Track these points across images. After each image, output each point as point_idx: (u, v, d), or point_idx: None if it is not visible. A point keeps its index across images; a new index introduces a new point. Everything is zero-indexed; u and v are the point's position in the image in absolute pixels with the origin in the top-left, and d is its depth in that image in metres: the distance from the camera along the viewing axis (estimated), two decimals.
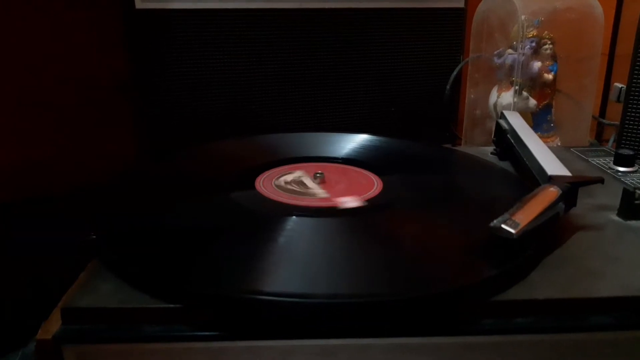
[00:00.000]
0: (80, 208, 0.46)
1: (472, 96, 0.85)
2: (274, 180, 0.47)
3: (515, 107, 0.75)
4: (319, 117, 0.80)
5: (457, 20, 0.83)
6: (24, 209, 0.68)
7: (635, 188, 0.43)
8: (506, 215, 0.34)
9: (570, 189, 0.38)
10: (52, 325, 0.30)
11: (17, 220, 0.67)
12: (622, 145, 0.64)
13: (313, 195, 0.45)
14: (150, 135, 0.73)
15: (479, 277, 0.32)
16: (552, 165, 0.42)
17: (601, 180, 0.41)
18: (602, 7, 0.77)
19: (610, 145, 0.82)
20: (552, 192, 0.36)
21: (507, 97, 0.76)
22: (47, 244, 0.60)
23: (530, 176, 0.44)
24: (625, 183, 0.50)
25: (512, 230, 0.33)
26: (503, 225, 0.33)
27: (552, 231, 0.38)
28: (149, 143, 0.73)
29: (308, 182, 0.47)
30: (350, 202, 0.43)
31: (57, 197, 0.69)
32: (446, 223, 0.40)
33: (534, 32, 0.75)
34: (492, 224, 0.33)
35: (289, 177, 0.48)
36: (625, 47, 0.75)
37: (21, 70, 0.70)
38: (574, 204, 0.39)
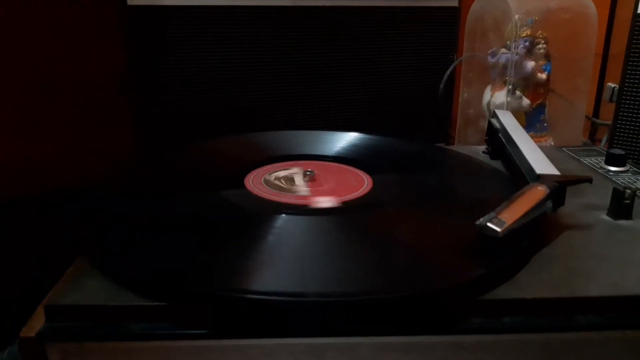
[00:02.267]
0: (76, 206, 0.46)
1: (465, 95, 0.85)
2: (265, 175, 0.47)
3: (508, 107, 0.75)
4: (313, 115, 0.80)
5: (451, 19, 0.83)
6: (22, 208, 0.68)
7: (625, 187, 0.42)
8: (492, 214, 0.34)
9: (559, 188, 0.38)
10: (37, 323, 0.30)
11: (15, 220, 0.66)
12: (614, 145, 0.64)
13: (294, 192, 0.44)
14: (148, 134, 0.73)
15: (467, 276, 0.32)
16: (541, 164, 0.42)
17: (589, 180, 0.41)
18: (597, 7, 0.77)
19: (603, 144, 0.82)
20: (539, 191, 0.36)
21: (500, 96, 0.76)
22: (41, 242, 0.60)
23: (520, 175, 0.44)
24: (616, 183, 0.50)
25: (498, 229, 0.32)
26: (489, 224, 0.33)
27: (541, 230, 0.38)
28: (148, 142, 0.73)
29: (298, 179, 0.47)
30: (325, 202, 0.42)
31: (55, 196, 0.69)
32: (435, 222, 0.40)
33: (528, 32, 0.75)
34: (478, 222, 0.33)
35: (282, 173, 0.48)
36: (619, 47, 0.75)
37: (20, 70, 0.70)
38: (562, 203, 0.39)
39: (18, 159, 0.71)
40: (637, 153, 0.63)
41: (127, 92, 0.74)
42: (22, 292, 0.52)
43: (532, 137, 0.73)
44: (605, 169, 0.53)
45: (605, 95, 0.78)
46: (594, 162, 0.55)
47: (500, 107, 0.75)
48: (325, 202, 0.43)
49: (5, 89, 0.69)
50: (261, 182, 0.46)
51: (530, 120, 0.77)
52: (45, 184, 0.71)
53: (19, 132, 0.71)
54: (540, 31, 0.75)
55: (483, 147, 0.59)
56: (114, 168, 0.51)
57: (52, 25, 0.71)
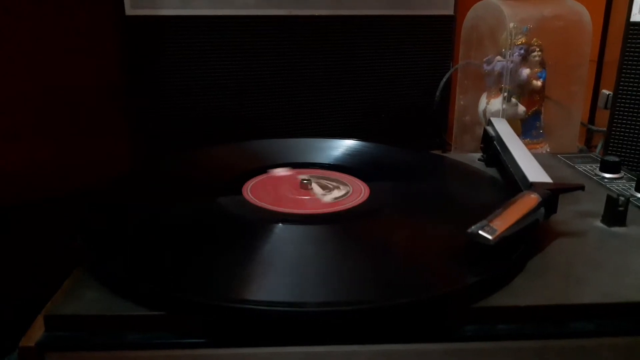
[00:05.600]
0: (72, 213, 0.46)
1: (461, 102, 0.86)
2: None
3: (504, 114, 0.75)
4: (309, 123, 0.80)
5: (447, 27, 0.84)
6: (19, 214, 0.68)
7: (619, 195, 0.43)
8: (484, 222, 0.34)
9: (551, 196, 0.38)
10: (36, 333, 0.30)
11: (12, 225, 0.67)
12: (609, 152, 0.65)
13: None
14: (145, 142, 0.73)
15: (462, 284, 0.32)
16: (534, 172, 0.43)
17: (582, 187, 0.41)
18: (591, 13, 0.78)
19: (598, 151, 0.83)
20: (532, 199, 0.37)
21: (496, 103, 0.77)
22: (37, 249, 0.60)
23: (513, 183, 0.45)
24: (610, 190, 0.50)
25: (489, 237, 0.33)
26: (480, 232, 0.33)
27: (535, 237, 0.39)
28: (144, 149, 0.74)
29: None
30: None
31: (52, 202, 0.70)
32: (432, 230, 0.40)
33: (523, 40, 0.75)
34: (469, 230, 0.34)
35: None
36: (614, 53, 0.75)
37: (18, 77, 0.71)
38: (555, 211, 0.39)
39: (17, 165, 0.71)
40: (631, 160, 0.64)
41: (123, 100, 0.75)
42: (17, 299, 0.52)
43: (527, 144, 0.74)
44: (600, 175, 0.54)
45: (600, 102, 0.78)
46: (589, 169, 0.56)
47: (496, 114, 0.76)
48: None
49: (2, 95, 0.69)
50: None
51: (526, 127, 0.78)
52: (41, 190, 0.72)
53: (15, 138, 0.71)
54: (535, 39, 0.76)
55: (479, 155, 0.59)
56: (110, 176, 0.51)
57: (49, 34, 0.71)
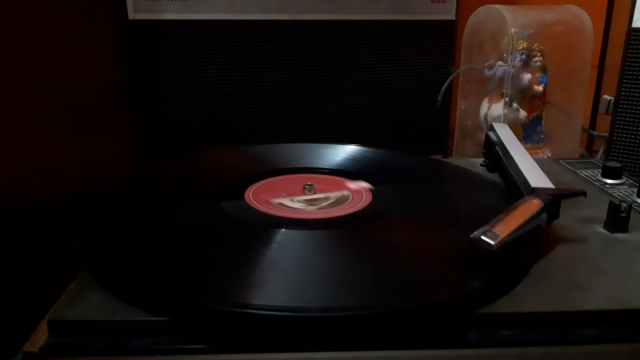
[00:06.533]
0: (72, 213, 0.46)
1: (463, 107, 0.86)
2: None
3: (505, 119, 0.75)
4: (310, 128, 0.80)
5: (449, 32, 0.84)
6: (19, 214, 0.68)
7: (621, 201, 0.43)
8: (487, 227, 0.34)
9: (553, 201, 0.38)
10: (39, 338, 0.30)
11: (13, 225, 0.67)
12: (611, 157, 0.65)
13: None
14: (145, 144, 0.74)
15: (464, 289, 0.32)
16: (536, 178, 0.43)
17: (584, 193, 0.41)
18: (592, 19, 0.78)
19: (599, 156, 0.83)
20: (534, 204, 0.37)
21: (497, 108, 0.77)
22: (37, 251, 0.60)
23: (515, 188, 0.45)
24: (612, 195, 0.50)
25: (492, 242, 0.33)
26: (483, 237, 0.33)
27: (538, 243, 0.39)
28: (144, 150, 0.74)
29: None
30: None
31: (52, 201, 0.70)
32: (434, 235, 0.40)
33: (524, 45, 0.76)
34: (472, 236, 0.34)
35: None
36: (615, 59, 0.75)
37: (18, 77, 0.71)
38: (557, 216, 0.39)
39: (17, 165, 0.71)
40: (633, 165, 0.64)
41: (123, 100, 0.75)
42: (17, 299, 0.52)
43: (529, 149, 0.74)
44: (601, 181, 0.54)
45: (601, 107, 0.78)
46: (591, 175, 0.56)
47: (497, 119, 0.76)
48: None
49: (5, 96, 0.70)
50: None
51: (527, 132, 0.78)
52: (41, 190, 0.72)
53: (14, 140, 0.71)
54: (536, 44, 0.76)
55: (481, 160, 0.59)
56: (110, 176, 0.51)
57: (49, 35, 0.71)
